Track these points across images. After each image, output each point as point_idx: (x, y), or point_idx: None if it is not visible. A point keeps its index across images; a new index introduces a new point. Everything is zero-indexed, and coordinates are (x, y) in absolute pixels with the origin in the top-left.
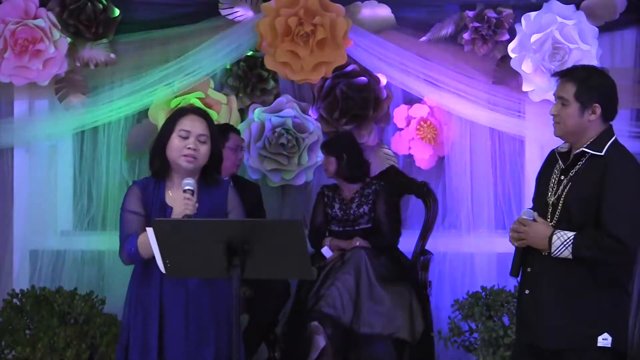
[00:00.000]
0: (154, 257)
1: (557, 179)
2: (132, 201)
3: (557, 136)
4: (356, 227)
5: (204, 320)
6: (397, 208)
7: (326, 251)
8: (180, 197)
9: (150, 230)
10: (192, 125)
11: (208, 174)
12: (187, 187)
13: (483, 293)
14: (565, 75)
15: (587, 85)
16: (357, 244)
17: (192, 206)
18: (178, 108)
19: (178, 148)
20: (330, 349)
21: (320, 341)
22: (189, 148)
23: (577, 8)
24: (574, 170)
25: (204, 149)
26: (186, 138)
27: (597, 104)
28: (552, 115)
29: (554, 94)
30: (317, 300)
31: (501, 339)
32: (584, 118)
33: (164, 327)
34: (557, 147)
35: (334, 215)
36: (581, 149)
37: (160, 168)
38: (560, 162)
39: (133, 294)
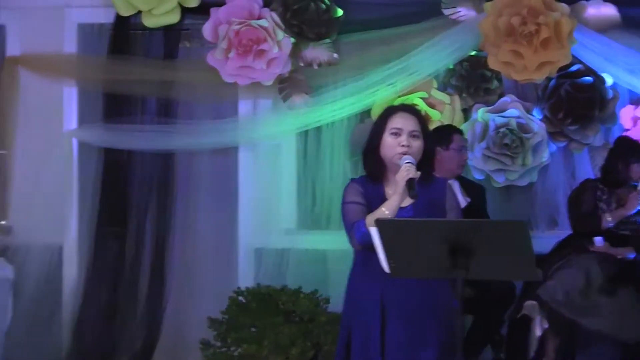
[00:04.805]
0: (375, 253)
1: None
2: (352, 194)
3: None
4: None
5: (425, 321)
6: None
7: (599, 241)
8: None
9: (374, 230)
10: (403, 122)
11: (423, 171)
12: (407, 161)
13: None
14: None
15: None
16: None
17: (414, 171)
18: (387, 107)
19: (391, 146)
20: (554, 339)
21: (537, 330)
22: (403, 145)
23: None
24: None
25: (417, 145)
26: (398, 135)
27: None
28: None
29: None
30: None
31: None
32: None
33: (385, 327)
34: None
35: (609, 211)
36: None
37: (376, 168)
38: None
39: (353, 292)
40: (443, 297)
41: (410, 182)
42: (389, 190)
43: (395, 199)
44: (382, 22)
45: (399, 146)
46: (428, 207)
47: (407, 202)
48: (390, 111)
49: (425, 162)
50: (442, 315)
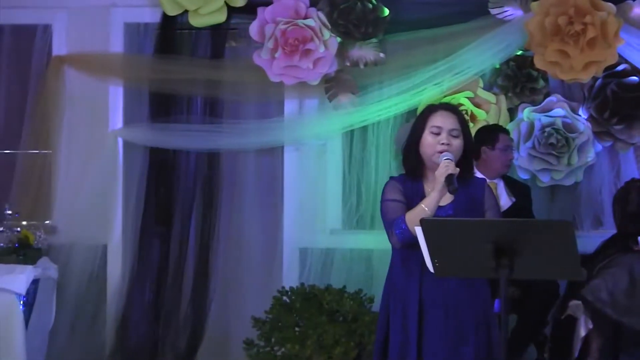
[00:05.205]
0: (414, 250)
1: None
2: (392, 191)
3: None
4: None
5: (463, 319)
6: None
7: None
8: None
9: (418, 229)
10: (443, 120)
11: (463, 170)
12: (445, 158)
13: None
14: None
15: None
16: None
17: (453, 167)
18: (427, 105)
19: (431, 144)
20: (598, 339)
21: (582, 330)
22: (443, 143)
23: None
24: None
25: (457, 144)
26: (438, 134)
27: None
28: None
29: None
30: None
31: None
32: None
33: (423, 323)
34: None
35: None
36: None
37: (415, 166)
38: None
39: (392, 289)
40: (481, 294)
41: (449, 178)
42: (428, 188)
43: (434, 196)
44: (428, 22)
45: (439, 144)
46: (467, 206)
47: (446, 200)
48: (430, 109)
49: (464, 161)
50: (480, 312)
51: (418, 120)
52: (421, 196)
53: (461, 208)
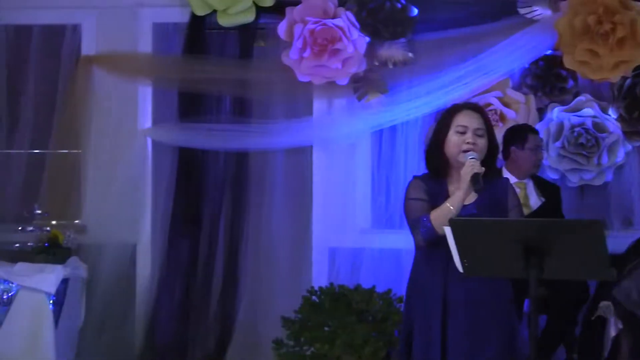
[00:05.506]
0: (437, 249)
1: None
2: (416, 190)
3: None
4: None
5: (485, 318)
6: None
7: None
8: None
9: (447, 230)
10: (468, 120)
11: (487, 169)
12: (471, 157)
13: None
14: None
15: None
16: None
17: (478, 166)
18: (451, 105)
19: (457, 144)
20: (628, 340)
21: (612, 331)
22: (468, 142)
23: None
24: None
25: (482, 143)
26: (464, 133)
27: None
28: None
29: None
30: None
31: None
32: None
33: (447, 323)
34: None
35: None
36: None
37: (439, 165)
38: None
39: (415, 288)
40: (504, 294)
41: (475, 177)
42: (452, 187)
43: (459, 195)
44: (457, 22)
45: (465, 144)
46: (491, 205)
47: (470, 199)
48: (455, 109)
49: (488, 161)
50: (503, 312)
51: (442, 120)
52: (445, 195)
53: (485, 207)
